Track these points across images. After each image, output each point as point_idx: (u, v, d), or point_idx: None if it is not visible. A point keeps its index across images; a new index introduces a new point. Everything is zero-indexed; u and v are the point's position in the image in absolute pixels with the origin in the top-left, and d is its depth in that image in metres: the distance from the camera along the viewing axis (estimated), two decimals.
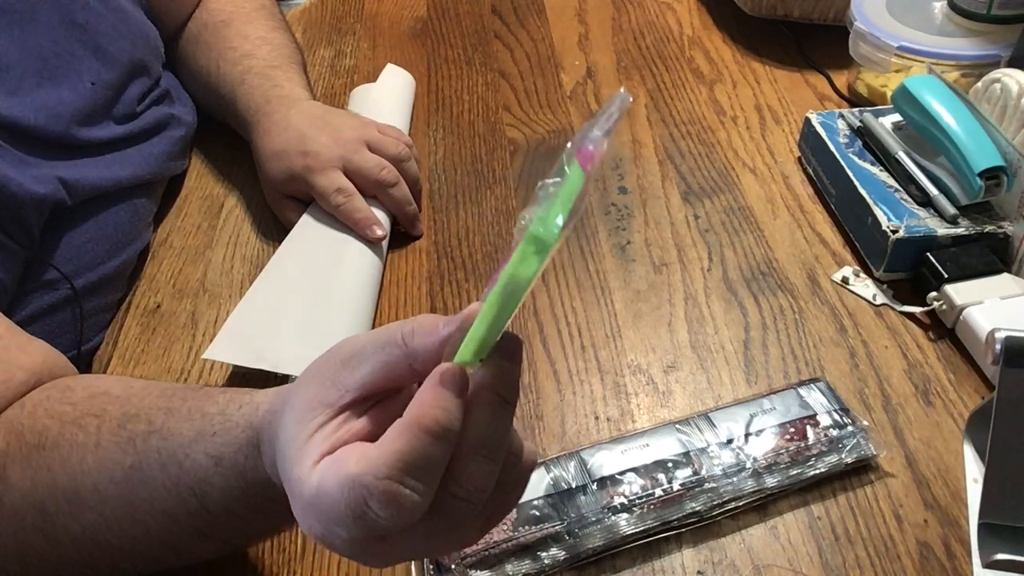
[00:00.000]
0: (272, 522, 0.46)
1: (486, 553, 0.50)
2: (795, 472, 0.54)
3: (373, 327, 0.67)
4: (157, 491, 0.42)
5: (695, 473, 0.54)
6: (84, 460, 0.44)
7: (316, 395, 0.36)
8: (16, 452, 0.46)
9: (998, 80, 0.70)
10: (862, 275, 0.70)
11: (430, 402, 0.33)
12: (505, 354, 0.35)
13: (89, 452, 0.44)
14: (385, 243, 0.72)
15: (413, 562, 0.52)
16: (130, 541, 0.45)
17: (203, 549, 0.47)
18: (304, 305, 0.65)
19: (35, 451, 0.46)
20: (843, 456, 0.55)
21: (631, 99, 0.33)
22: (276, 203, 0.76)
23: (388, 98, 0.87)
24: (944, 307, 0.64)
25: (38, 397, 0.49)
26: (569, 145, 0.33)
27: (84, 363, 0.66)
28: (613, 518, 0.52)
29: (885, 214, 0.67)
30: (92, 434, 0.45)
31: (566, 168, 0.32)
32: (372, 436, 0.35)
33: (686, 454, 0.55)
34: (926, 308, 0.65)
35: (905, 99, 0.72)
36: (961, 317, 0.63)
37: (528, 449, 0.38)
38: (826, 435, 0.56)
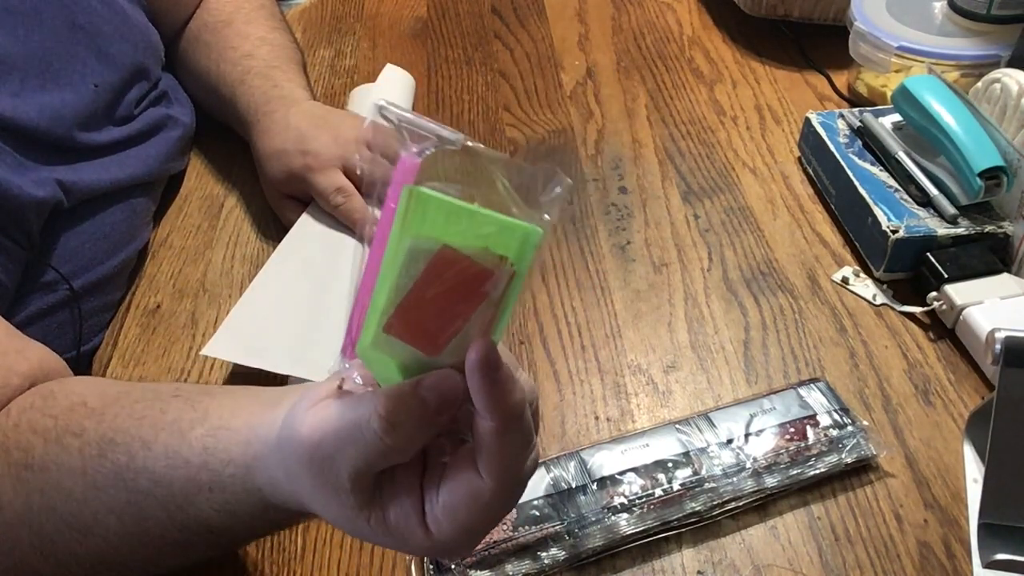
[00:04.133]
0: (285, 525, 0.48)
1: (486, 553, 0.50)
2: (795, 472, 0.54)
3: None
4: (163, 525, 0.43)
5: (695, 473, 0.54)
6: (76, 486, 0.44)
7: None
8: (4, 468, 0.46)
9: (998, 80, 0.70)
10: (862, 275, 0.70)
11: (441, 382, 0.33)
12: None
13: (78, 478, 0.44)
14: None
15: (413, 562, 0.52)
16: (141, 561, 0.46)
17: (213, 553, 0.48)
18: (302, 305, 0.65)
19: (24, 471, 0.45)
20: (843, 456, 0.55)
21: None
22: (276, 203, 0.76)
23: (388, 98, 0.87)
24: (944, 307, 0.64)
25: (23, 404, 0.48)
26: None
27: (84, 363, 0.66)
28: (613, 518, 0.52)
29: (885, 214, 0.67)
30: (76, 456, 0.44)
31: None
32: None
33: (686, 454, 0.55)
34: (926, 308, 0.65)
35: (905, 99, 0.72)
36: (961, 317, 0.63)
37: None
38: (826, 435, 0.56)
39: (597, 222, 0.76)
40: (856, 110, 0.78)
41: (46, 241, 0.63)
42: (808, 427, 0.56)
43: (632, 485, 0.53)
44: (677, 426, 0.57)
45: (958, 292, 0.63)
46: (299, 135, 0.73)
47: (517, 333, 0.67)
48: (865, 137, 0.75)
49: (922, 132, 0.71)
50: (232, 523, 0.42)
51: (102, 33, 0.70)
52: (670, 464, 0.54)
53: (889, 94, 0.77)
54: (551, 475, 0.54)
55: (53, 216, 0.63)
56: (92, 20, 0.69)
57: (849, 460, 0.55)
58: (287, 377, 0.60)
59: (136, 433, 0.44)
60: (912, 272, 0.68)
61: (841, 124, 0.78)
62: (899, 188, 0.70)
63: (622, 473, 0.54)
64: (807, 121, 0.79)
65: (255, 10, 0.86)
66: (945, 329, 0.65)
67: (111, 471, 0.43)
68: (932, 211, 0.68)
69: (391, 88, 0.89)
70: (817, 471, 0.55)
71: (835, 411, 0.57)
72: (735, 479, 0.54)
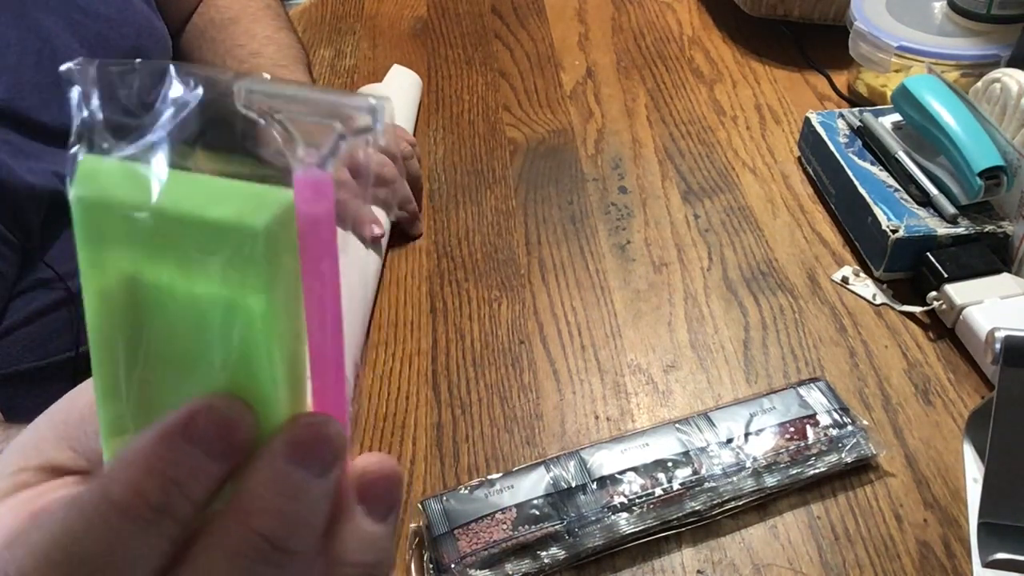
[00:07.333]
0: None
1: (486, 552, 0.50)
2: (795, 472, 0.54)
3: (369, 327, 0.67)
4: None
5: (695, 472, 0.54)
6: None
7: (35, 442, 0.26)
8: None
9: (998, 80, 0.70)
10: (862, 275, 0.70)
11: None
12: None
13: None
14: (384, 242, 0.72)
15: (413, 561, 0.52)
16: None
17: None
18: None
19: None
20: (843, 456, 0.55)
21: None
22: None
23: (393, 98, 0.87)
24: (944, 307, 0.64)
25: None
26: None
27: (83, 364, 0.66)
28: (613, 517, 0.52)
29: (885, 214, 0.67)
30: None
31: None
32: None
33: (686, 453, 0.55)
34: (926, 308, 0.65)
35: (905, 99, 0.72)
36: (961, 317, 0.63)
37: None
38: (826, 435, 0.56)
39: (597, 222, 0.76)
40: (856, 110, 0.78)
41: (46, 238, 0.63)
42: (808, 426, 0.56)
43: (632, 484, 0.53)
44: (677, 425, 0.57)
45: (958, 292, 0.63)
46: None
47: (517, 332, 0.67)
48: (865, 137, 0.75)
49: (922, 132, 0.71)
50: None
51: (101, 15, 0.70)
52: (670, 463, 0.54)
53: (889, 94, 0.77)
54: (551, 474, 0.54)
55: (54, 212, 0.63)
56: (91, 2, 0.69)
57: (849, 460, 0.55)
58: None
59: None
60: (912, 272, 0.68)
61: (841, 124, 0.78)
62: (899, 188, 0.70)
63: (622, 472, 0.54)
64: (807, 121, 0.79)
65: (261, 9, 0.87)
66: (945, 329, 0.65)
67: None
68: (932, 211, 0.68)
69: (397, 88, 0.89)
70: (817, 470, 0.55)
71: (835, 411, 0.57)
72: (735, 478, 0.54)
